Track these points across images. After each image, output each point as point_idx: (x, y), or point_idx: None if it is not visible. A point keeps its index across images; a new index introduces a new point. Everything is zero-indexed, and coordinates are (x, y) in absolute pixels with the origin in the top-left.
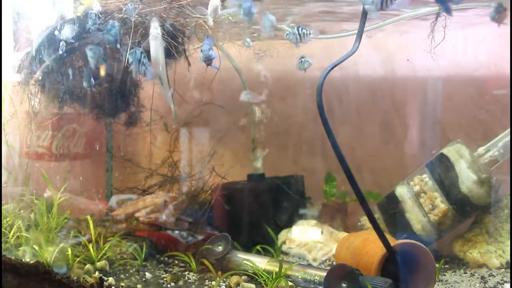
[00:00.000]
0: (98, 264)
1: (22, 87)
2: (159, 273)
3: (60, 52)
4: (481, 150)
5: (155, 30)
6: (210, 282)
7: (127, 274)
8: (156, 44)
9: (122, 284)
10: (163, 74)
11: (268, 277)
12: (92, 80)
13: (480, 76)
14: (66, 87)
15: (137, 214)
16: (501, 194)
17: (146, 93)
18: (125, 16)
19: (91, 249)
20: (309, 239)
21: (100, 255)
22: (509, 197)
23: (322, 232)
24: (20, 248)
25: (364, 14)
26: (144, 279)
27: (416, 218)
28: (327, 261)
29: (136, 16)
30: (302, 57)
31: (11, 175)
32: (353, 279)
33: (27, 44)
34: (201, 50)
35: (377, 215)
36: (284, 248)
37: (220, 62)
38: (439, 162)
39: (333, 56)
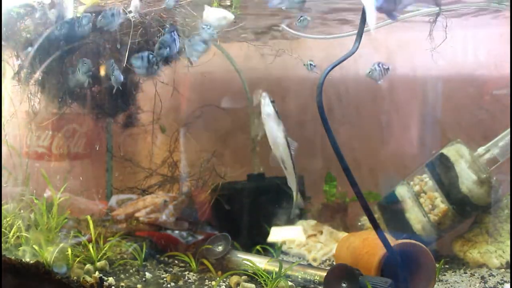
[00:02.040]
0: (98, 264)
1: (22, 87)
2: (159, 273)
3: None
4: (481, 150)
5: (267, 107)
6: (210, 282)
7: (127, 274)
8: (271, 123)
9: (122, 284)
10: (287, 157)
11: (268, 277)
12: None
13: (480, 76)
14: (66, 87)
15: (137, 214)
16: (501, 194)
17: (146, 93)
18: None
19: (91, 249)
20: (289, 237)
21: (100, 255)
22: (509, 197)
23: (321, 233)
24: (20, 248)
25: (364, 14)
26: (144, 279)
27: (416, 218)
28: (327, 261)
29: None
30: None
31: (11, 175)
32: (353, 279)
33: (27, 44)
34: None
35: (377, 215)
36: (284, 248)
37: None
38: (439, 162)
39: (333, 56)
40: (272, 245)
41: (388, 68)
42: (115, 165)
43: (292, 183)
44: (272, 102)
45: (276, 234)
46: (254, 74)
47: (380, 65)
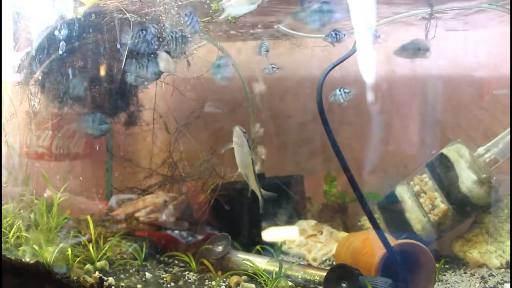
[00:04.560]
0: (98, 264)
1: (22, 87)
2: (159, 273)
3: (60, 52)
4: (481, 150)
5: (239, 139)
6: (210, 282)
7: (127, 274)
8: (242, 151)
9: (122, 284)
10: (251, 174)
11: (268, 277)
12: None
13: (480, 76)
14: (66, 87)
15: (137, 214)
16: (501, 194)
17: (146, 93)
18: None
19: (91, 249)
20: (284, 238)
21: (100, 255)
22: (509, 197)
23: (321, 233)
24: (20, 248)
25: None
26: (144, 279)
27: (416, 218)
28: (327, 261)
29: (135, 16)
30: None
31: (11, 175)
32: (353, 279)
33: (27, 44)
34: None
35: (377, 215)
36: (284, 248)
37: None
38: (439, 162)
39: (333, 56)
40: (272, 245)
41: (349, 92)
42: (115, 165)
43: (255, 189)
44: (244, 133)
45: (272, 234)
46: (254, 74)
47: (342, 89)
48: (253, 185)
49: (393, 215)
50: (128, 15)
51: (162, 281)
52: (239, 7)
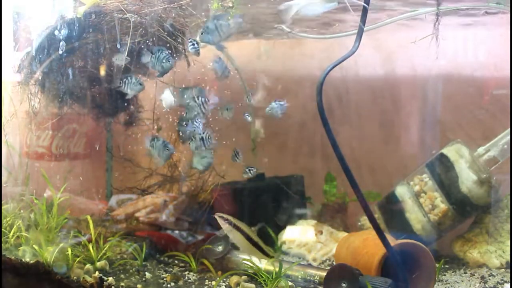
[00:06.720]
0: (98, 264)
1: (22, 87)
2: (159, 273)
3: (60, 52)
4: (481, 150)
5: (225, 226)
6: (210, 282)
7: (127, 274)
8: (232, 236)
9: (122, 284)
10: (254, 253)
11: (268, 277)
12: None
13: (480, 76)
14: (66, 87)
15: (137, 214)
16: (501, 194)
17: (145, 93)
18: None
19: (91, 249)
20: (303, 239)
21: (100, 255)
22: (509, 197)
23: (321, 233)
24: (20, 248)
25: (364, 13)
26: (144, 279)
27: (416, 218)
28: (327, 261)
29: (135, 16)
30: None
31: (11, 175)
32: (353, 279)
33: (27, 44)
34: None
35: (377, 215)
36: (284, 248)
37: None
38: (439, 162)
39: (333, 56)
40: (272, 245)
41: (283, 104)
42: (115, 165)
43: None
44: (226, 220)
45: (290, 233)
46: (254, 73)
47: (277, 101)
48: (259, 257)
49: (393, 215)
50: (128, 15)
51: (162, 281)
52: (312, 7)
